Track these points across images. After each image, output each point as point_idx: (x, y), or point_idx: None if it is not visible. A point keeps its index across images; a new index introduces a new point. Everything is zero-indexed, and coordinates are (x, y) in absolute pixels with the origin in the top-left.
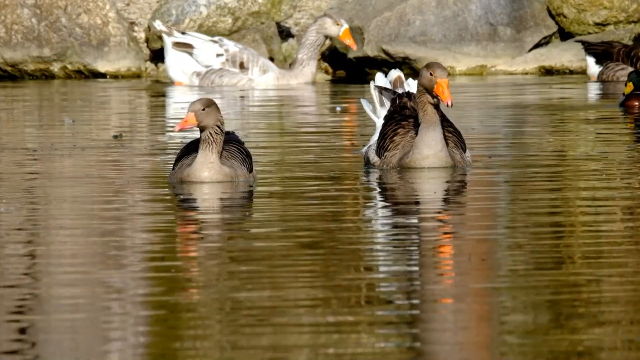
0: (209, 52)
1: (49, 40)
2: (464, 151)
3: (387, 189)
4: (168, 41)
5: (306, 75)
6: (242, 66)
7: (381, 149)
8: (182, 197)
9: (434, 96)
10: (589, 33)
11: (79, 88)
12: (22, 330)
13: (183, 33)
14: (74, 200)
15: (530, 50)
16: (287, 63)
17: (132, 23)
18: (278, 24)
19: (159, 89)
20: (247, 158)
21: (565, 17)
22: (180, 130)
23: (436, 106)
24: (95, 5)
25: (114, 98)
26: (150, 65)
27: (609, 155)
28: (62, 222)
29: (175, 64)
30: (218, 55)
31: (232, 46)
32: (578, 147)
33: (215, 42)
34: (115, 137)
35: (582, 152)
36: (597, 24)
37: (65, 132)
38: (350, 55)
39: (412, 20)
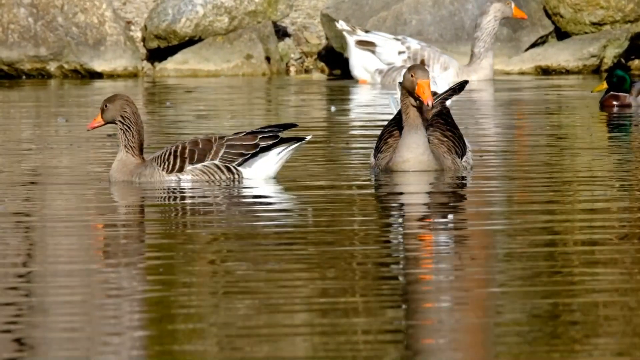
0: (391, 49)
1: (45, 40)
2: (461, 156)
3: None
4: (350, 40)
5: (485, 69)
6: (422, 63)
7: (376, 150)
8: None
9: (416, 98)
10: (586, 33)
11: (75, 88)
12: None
13: (366, 32)
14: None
15: (527, 49)
16: (281, 64)
17: (129, 22)
18: (274, 24)
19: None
20: (176, 158)
21: (561, 16)
22: (91, 129)
23: (419, 109)
24: (92, 5)
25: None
26: (146, 65)
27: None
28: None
29: (358, 62)
30: (400, 52)
31: (414, 44)
32: (573, 146)
33: (397, 39)
34: (109, 135)
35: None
36: (593, 24)
37: (59, 131)
38: (346, 55)
39: (408, 19)
